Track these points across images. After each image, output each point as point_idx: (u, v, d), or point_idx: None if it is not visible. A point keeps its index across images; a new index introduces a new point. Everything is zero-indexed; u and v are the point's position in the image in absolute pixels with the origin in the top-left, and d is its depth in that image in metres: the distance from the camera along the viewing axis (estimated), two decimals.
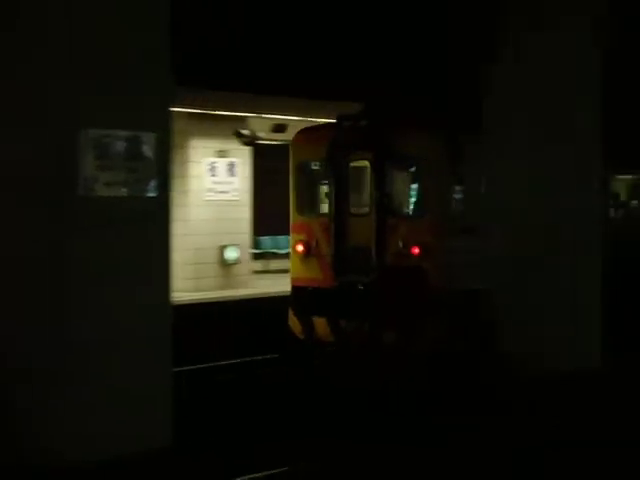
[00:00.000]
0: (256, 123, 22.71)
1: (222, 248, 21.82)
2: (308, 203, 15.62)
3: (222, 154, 21.91)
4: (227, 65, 18.18)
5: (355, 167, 15.07)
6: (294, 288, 15.36)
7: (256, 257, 24.68)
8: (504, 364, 13.77)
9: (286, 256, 25.89)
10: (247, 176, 22.48)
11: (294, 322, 15.13)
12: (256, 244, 25.06)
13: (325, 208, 15.23)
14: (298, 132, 16.35)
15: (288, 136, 25.74)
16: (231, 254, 21.84)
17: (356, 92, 20.35)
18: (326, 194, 15.07)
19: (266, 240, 25.95)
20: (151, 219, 9.67)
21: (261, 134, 22.76)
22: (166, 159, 9.86)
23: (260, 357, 17.01)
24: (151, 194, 9.63)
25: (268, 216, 28.07)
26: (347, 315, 14.40)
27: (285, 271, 25.07)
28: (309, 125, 17.17)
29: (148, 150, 9.61)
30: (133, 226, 9.52)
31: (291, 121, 24.06)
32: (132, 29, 9.55)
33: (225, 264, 21.88)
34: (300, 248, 15.14)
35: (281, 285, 21.81)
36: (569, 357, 13.87)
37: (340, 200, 14.90)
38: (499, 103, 14.32)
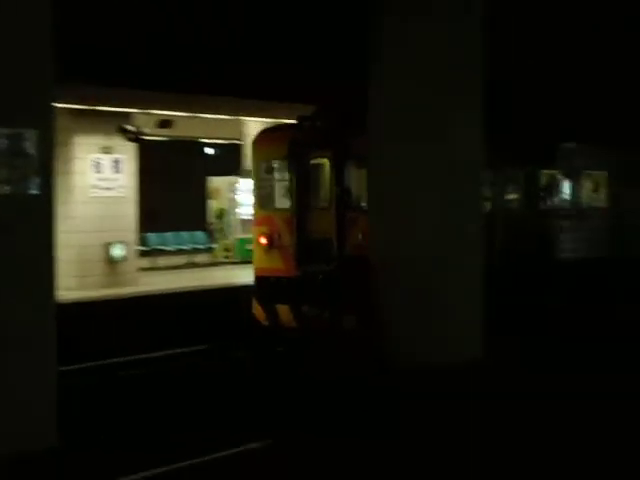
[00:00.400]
0: (141, 119, 22.53)
1: (108, 245, 21.59)
2: (270, 198, 16.51)
3: (107, 150, 21.68)
4: (110, 60, 17.99)
5: (315, 164, 15.99)
6: (257, 278, 16.32)
7: (143, 254, 24.48)
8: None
9: (174, 253, 25.85)
10: (133, 172, 22.28)
11: (258, 310, 16.09)
12: (143, 241, 24.85)
13: (286, 203, 16.08)
14: (259, 132, 17.38)
15: (174, 132, 25.68)
16: (117, 251, 21.62)
17: (245, 87, 20.38)
18: (288, 189, 15.93)
19: (153, 237, 25.75)
20: (34, 216, 9.54)
21: (146, 130, 22.59)
22: (49, 156, 9.73)
23: (157, 354, 16.98)
24: (34, 191, 9.50)
25: (155, 212, 27.90)
26: (309, 302, 15.35)
27: (173, 267, 25.07)
28: (271, 124, 18.86)
29: (30, 147, 9.48)
30: (15, 224, 9.38)
31: (177, 117, 23.95)
32: (11, 24, 9.38)
33: (111, 262, 21.65)
34: (263, 240, 16.12)
35: (169, 282, 21.72)
36: (450, 348, 14.02)
37: (301, 195, 15.88)
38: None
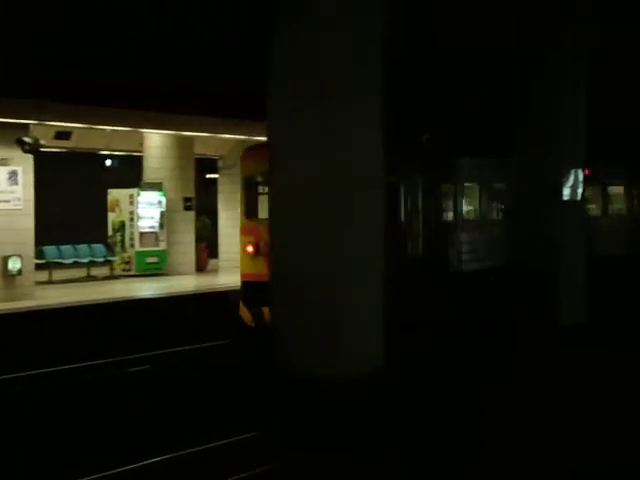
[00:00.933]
0: (39, 130, 22.21)
1: (5, 259, 21.20)
2: (255, 209, 17.63)
3: (3, 162, 21.30)
4: (6, 71, 17.71)
5: None
6: (244, 283, 17.55)
7: (40, 267, 24.10)
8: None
9: (72, 266, 25.52)
10: (30, 184, 21.92)
11: (244, 312, 17.27)
12: (40, 254, 24.47)
13: (262, 214, 17.07)
14: (245, 150, 18.61)
15: (74, 143, 25.37)
16: (14, 265, 21.25)
17: (146, 99, 20.27)
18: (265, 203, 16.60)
19: (51, 250, 25.37)
20: None
21: (44, 141, 22.26)
22: None
23: (50, 369, 16.70)
24: None
25: (52, 225, 27.49)
26: None
27: (71, 281, 24.72)
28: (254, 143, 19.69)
29: None
30: None
31: (76, 128, 23.68)
32: None
33: (8, 275, 21.26)
34: (250, 249, 17.38)
35: (66, 296, 21.42)
36: (352, 360, 14.11)
37: None
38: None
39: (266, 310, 16.44)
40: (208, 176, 33.08)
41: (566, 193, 19.16)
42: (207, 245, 28.95)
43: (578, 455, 10.71)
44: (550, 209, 19.12)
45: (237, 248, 29.22)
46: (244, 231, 17.81)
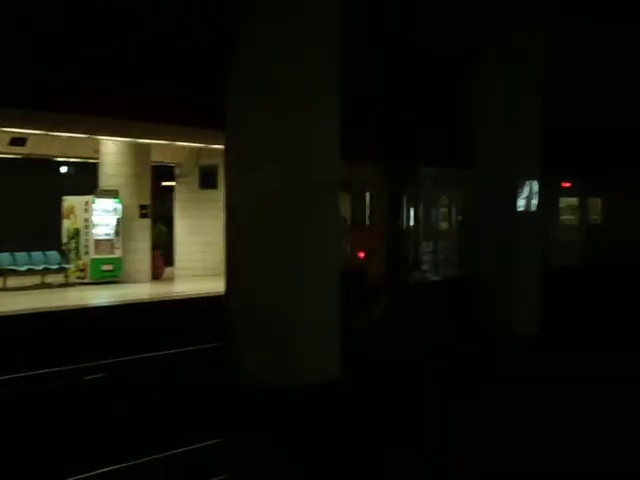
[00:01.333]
0: None
1: None
2: None
3: None
4: None
5: None
6: None
7: None
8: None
9: (26, 273, 25.27)
10: None
11: None
12: None
13: None
14: None
15: (29, 150, 25.13)
16: None
17: (101, 106, 20.13)
18: None
19: (4, 257, 25.11)
20: None
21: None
22: None
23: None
24: None
25: (7, 232, 27.22)
26: None
27: (25, 288, 24.48)
28: None
29: None
30: None
31: (32, 134, 23.47)
32: None
33: None
34: None
35: (19, 303, 21.20)
36: (306, 370, 14.08)
37: None
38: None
39: None
40: (165, 184, 32.93)
41: (521, 204, 19.27)
42: (163, 253, 28.80)
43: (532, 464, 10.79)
44: (505, 220, 19.20)
45: (194, 256, 29.31)
46: None
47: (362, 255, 19.03)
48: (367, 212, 19.71)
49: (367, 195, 19.61)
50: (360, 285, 18.32)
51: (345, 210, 19.19)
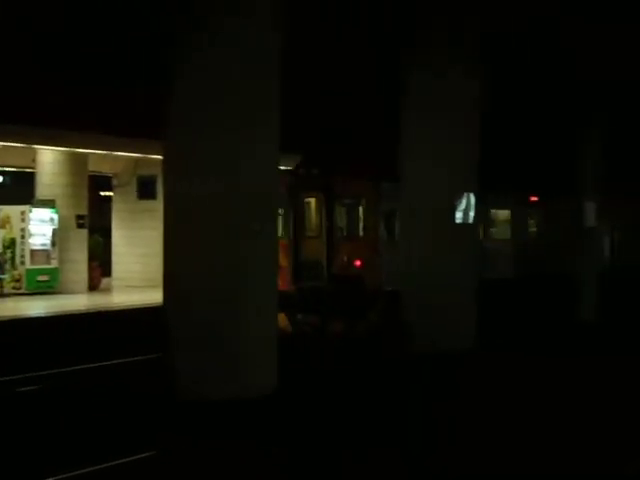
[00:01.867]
0: None
1: None
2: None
3: None
4: None
5: (307, 202, 20.34)
6: None
7: None
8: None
9: None
10: None
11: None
12: None
13: (284, 232, 19.69)
14: None
15: None
16: None
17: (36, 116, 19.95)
18: (286, 222, 19.71)
19: None
20: None
21: None
22: None
23: None
24: None
25: None
26: (303, 311, 19.10)
27: None
28: None
29: None
30: None
31: None
32: None
33: None
34: None
35: None
36: (241, 381, 14.03)
37: (297, 226, 19.98)
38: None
39: (279, 316, 17.42)
40: (103, 194, 32.70)
41: (459, 217, 19.35)
42: (100, 264, 28.57)
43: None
44: (441, 233, 19.24)
45: (131, 267, 29.12)
46: None
47: (359, 264, 20.64)
48: (361, 224, 21.49)
49: (360, 209, 21.41)
50: (358, 292, 19.96)
51: (342, 222, 21.22)
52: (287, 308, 18.49)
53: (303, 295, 19.10)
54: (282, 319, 18.14)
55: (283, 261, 18.52)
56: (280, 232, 18.52)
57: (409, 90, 19.35)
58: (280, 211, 18.54)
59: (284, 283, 18.60)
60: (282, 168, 22.54)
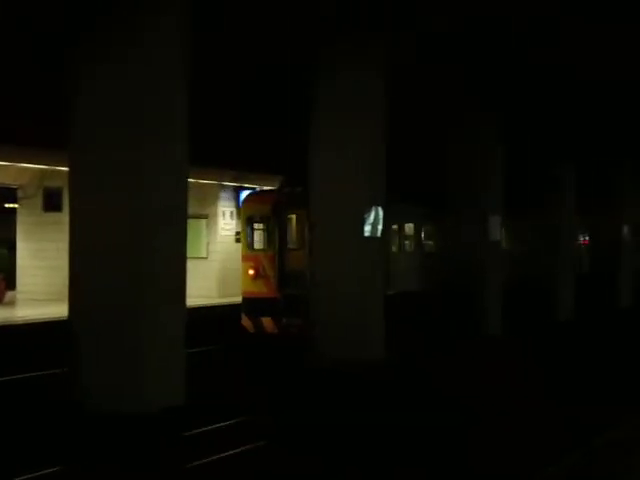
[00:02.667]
0: None
1: None
2: (254, 242, 22.61)
3: None
4: None
5: (289, 218, 22.34)
6: (246, 299, 22.42)
7: None
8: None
9: None
10: None
11: (246, 321, 22.21)
12: None
13: (268, 245, 22.24)
14: (247, 196, 24.84)
15: None
16: None
17: None
18: (271, 236, 22.06)
19: None
20: None
21: None
22: None
23: None
24: None
25: None
26: (287, 315, 21.39)
27: None
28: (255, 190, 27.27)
29: None
30: None
31: None
32: None
33: None
34: (251, 272, 22.24)
35: None
36: (146, 397, 13.92)
37: (281, 240, 21.96)
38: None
39: (265, 320, 21.81)
40: (8, 206, 32.11)
41: (367, 230, 19.46)
42: (4, 277, 28.05)
43: None
44: (347, 244, 19.32)
45: (36, 280, 28.64)
46: (245, 259, 22.68)
47: None
48: None
49: None
50: None
51: None
52: (273, 313, 21.55)
53: (287, 301, 21.44)
54: (268, 322, 21.67)
55: (269, 271, 21.92)
56: (266, 245, 22.22)
57: (317, 93, 19.47)
58: (264, 227, 22.24)
59: (270, 291, 21.82)
60: (267, 188, 27.52)
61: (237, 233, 31.48)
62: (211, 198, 30.70)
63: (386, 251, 23.39)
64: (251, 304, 22.14)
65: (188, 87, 14.52)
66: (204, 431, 13.64)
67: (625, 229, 37.41)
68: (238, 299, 29.57)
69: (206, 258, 30.45)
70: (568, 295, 30.95)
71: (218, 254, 30.83)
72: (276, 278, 21.81)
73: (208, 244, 30.76)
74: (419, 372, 19.65)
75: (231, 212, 31.27)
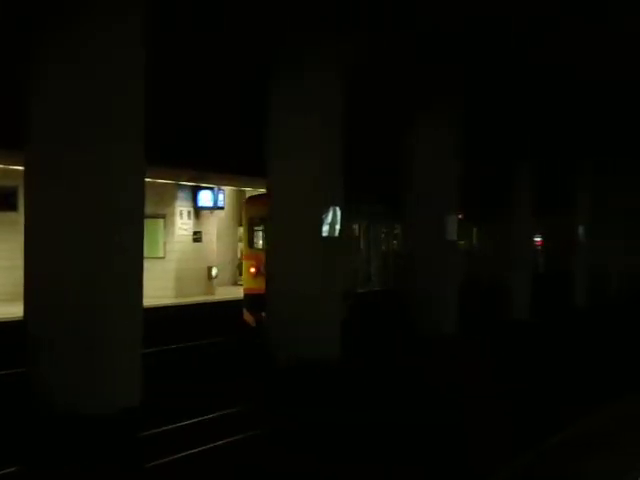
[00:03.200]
0: None
1: None
2: (255, 241, 24.32)
3: None
4: None
5: None
6: (247, 295, 23.91)
7: None
8: None
9: None
10: None
11: (248, 316, 23.70)
12: None
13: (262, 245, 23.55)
14: (248, 198, 27.28)
15: None
16: None
17: None
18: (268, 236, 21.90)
19: None
20: None
21: None
22: None
23: None
24: None
25: None
26: None
27: None
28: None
29: None
30: None
31: None
32: None
33: None
34: (252, 270, 23.75)
35: None
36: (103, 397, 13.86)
37: None
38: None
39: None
40: None
41: (325, 230, 19.49)
42: None
43: None
44: (303, 243, 19.35)
45: None
46: (247, 257, 24.38)
47: None
48: None
49: None
50: None
51: None
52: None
53: None
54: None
55: (264, 270, 22.07)
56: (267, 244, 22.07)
57: (273, 92, 19.50)
58: (264, 227, 22.88)
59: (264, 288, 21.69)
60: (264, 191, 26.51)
61: (195, 233, 31.46)
62: (168, 198, 30.62)
63: (351, 250, 23.70)
64: (252, 300, 23.18)
65: (145, 85, 14.45)
66: (160, 431, 13.63)
67: (580, 229, 37.81)
68: (196, 299, 29.72)
69: (163, 258, 30.37)
70: (524, 294, 31.15)
71: (175, 254, 30.75)
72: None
73: (165, 244, 30.67)
74: (370, 371, 19.76)
75: (188, 212, 31.21)
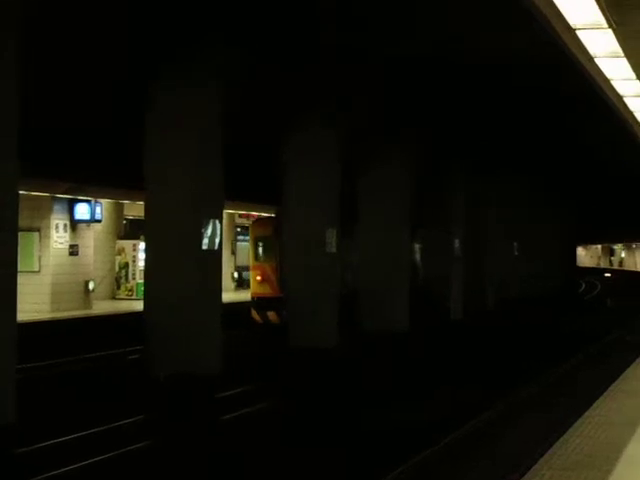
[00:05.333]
0: None
1: None
2: (262, 255, 29.20)
3: None
4: None
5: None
6: (255, 298, 28.99)
7: None
8: None
9: None
10: None
11: (255, 314, 28.56)
12: None
13: (271, 257, 28.71)
14: (253, 221, 34.42)
15: None
16: None
17: None
18: (273, 250, 28.54)
19: None
20: None
21: None
22: None
23: None
24: None
25: None
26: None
27: None
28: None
29: None
30: None
31: None
32: None
33: None
34: (259, 278, 28.90)
35: None
36: None
37: (281, 253, 27.16)
38: None
39: (270, 313, 28.02)
40: None
41: (205, 242, 19.39)
42: None
43: None
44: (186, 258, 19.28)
45: None
46: (253, 268, 29.55)
47: None
48: None
49: None
50: None
51: None
52: (276, 308, 27.41)
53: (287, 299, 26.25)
54: (272, 315, 27.89)
55: (272, 276, 28.40)
56: (270, 257, 28.62)
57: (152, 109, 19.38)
58: (267, 243, 28.77)
59: (274, 291, 28.12)
60: (266, 215, 35.22)
61: (71, 246, 30.88)
62: (44, 210, 30.02)
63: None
64: (259, 302, 28.61)
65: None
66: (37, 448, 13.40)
67: (456, 243, 37.85)
68: (73, 314, 29.15)
69: (38, 272, 29.73)
70: (402, 306, 30.96)
71: (51, 268, 30.10)
72: (278, 281, 27.91)
73: (40, 257, 30.02)
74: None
75: (65, 225, 30.61)
